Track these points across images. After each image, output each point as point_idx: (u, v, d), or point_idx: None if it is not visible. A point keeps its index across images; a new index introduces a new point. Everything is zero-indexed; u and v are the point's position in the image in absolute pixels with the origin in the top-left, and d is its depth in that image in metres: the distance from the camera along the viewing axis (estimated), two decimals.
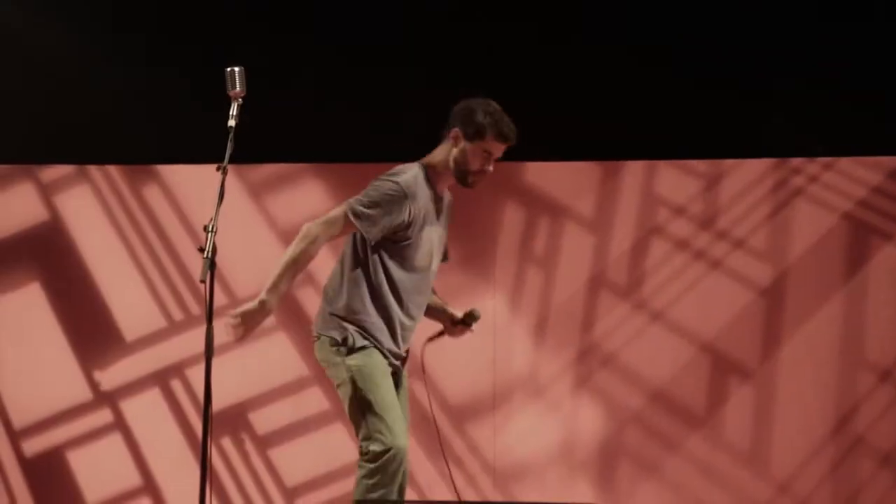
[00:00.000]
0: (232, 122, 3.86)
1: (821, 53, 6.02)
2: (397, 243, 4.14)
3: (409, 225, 4.12)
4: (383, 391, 4.09)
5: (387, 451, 4.01)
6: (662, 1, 6.12)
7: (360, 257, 4.16)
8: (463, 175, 4.23)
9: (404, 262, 4.18)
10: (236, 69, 3.90)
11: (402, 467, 4.04)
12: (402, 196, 4.09)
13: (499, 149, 4.24)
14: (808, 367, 6.06)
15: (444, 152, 4.25)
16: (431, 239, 4.25)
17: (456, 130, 4.21)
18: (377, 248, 4.13)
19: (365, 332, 4.13)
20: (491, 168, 4.25)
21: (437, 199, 4.27)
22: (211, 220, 3.70)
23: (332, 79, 6.05)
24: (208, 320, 3.66)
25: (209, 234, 3.65)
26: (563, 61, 6.11)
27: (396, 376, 4.28)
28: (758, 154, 6.18)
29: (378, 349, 4.15)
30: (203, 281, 3.58)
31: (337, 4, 6.11)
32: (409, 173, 4.17)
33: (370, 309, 4.14)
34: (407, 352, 4.35)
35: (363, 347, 4.11)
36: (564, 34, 6.13)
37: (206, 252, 3.61)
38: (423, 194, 4.19)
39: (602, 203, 6.20)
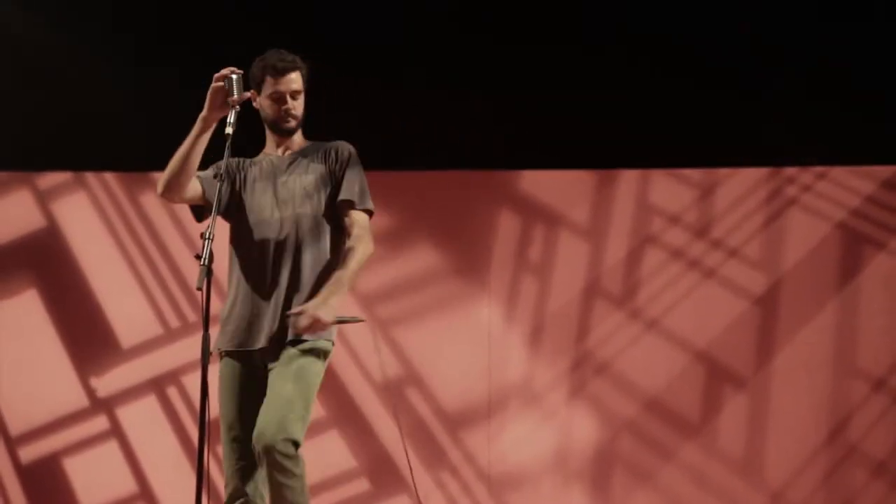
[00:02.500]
0: (229, 130, 3.85)
1: (815, 63, 6.04)
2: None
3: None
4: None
5: None
6: (657, 11, 6.14)
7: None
8: (273, 126, 4.09)
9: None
10: (234, 75, 3.90)
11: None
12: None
13: (283, 83, 4.03)
14: (801, 375, 6.07)
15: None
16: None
17: (252, 92, 4.08)
18: None
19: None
20: (291, 106, 4.05)
21: (279, 158, 4.12)
22: (208, 227, 3.70)
23: (330, 82, 6.06)
24: (205, 327, 3.66)
25: (206, 242, 3.65)
26: (558, 70, 6.13)
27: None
28: (752, 163, 6.19)
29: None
30: (200, 288, 3.58)
31: (335, 5, 6.13)
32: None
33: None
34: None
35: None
36: (559, 44, 6.14)
37: (203, 259, 3.61)
38: (250, 166, 4.11)
39: (597, 212, 6.21)
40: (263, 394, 3.88)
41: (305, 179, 4.04)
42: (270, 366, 3.91)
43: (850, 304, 6.09)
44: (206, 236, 3.66)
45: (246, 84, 3.94)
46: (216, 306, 5.96)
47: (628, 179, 6.24)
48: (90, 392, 6.18)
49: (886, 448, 6.02)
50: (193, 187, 4.01)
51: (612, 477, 6.09)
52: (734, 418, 6.08)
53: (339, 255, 4.01)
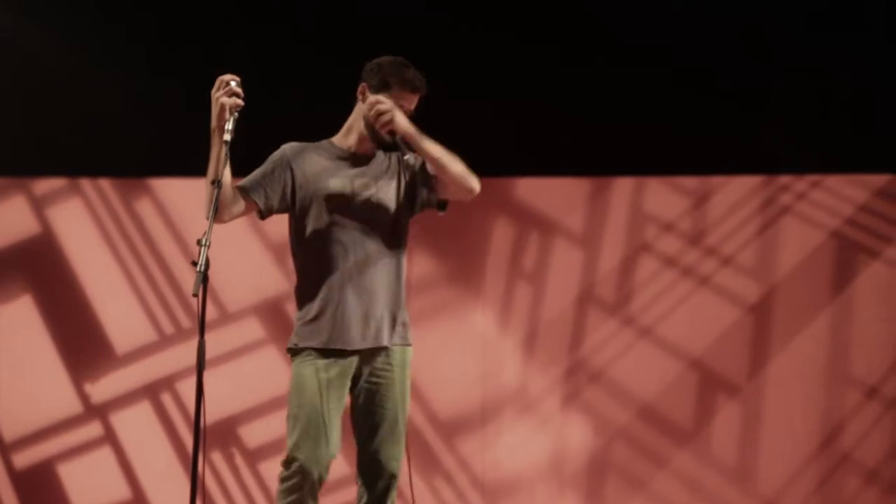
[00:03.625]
0: (227, 137, 3.85)
1: (810, 70, 6.05)
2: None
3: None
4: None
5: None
6: (652, 18, 6.14)
7: None
8: (372, 130, 4.03)
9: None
10: (233, 82, 3.89)
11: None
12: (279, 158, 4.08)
13: (407, 99, 4.05)
14: (795, 383, 6.08)
15: (356, 111, 4.13)
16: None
17: (363, 85, 4.08)
18: None
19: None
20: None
21: (353, 157, 4.08)
22: (205, 233, 3.70)
23: (328, 88, 6.06)
24: (200, 333, 3.66)
25: (202, 248, 3.64)
26: (553, 77, 6.13)
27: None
28: (746, 171, 6.20)
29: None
30: (196, 295, 3.58)
31: (333, 7, 6.13)
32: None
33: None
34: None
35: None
36: (555, 50, 6.15)
37: (199, 266, 3.60)
38: (315, 156, 4.07)
39: (591, 219, 6.22)
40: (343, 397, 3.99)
41: (391, 186, 4.06)
42: (369, 373, 4.01)
43: (843, 313, 6.10)
44: (203, 243, 3.65)
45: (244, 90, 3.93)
46: (211, 313, 6.00)
47: (623, 187, 6.25)
48: (84, 398, 6.17)
49: (879, 456, 6.03)
50: (238, 202, 4.02)
51: (606, 484, 6.09)
52: (728, 426, 6.08)
53: (403, 262, 4.08)
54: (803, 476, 6.01)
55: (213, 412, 5.89)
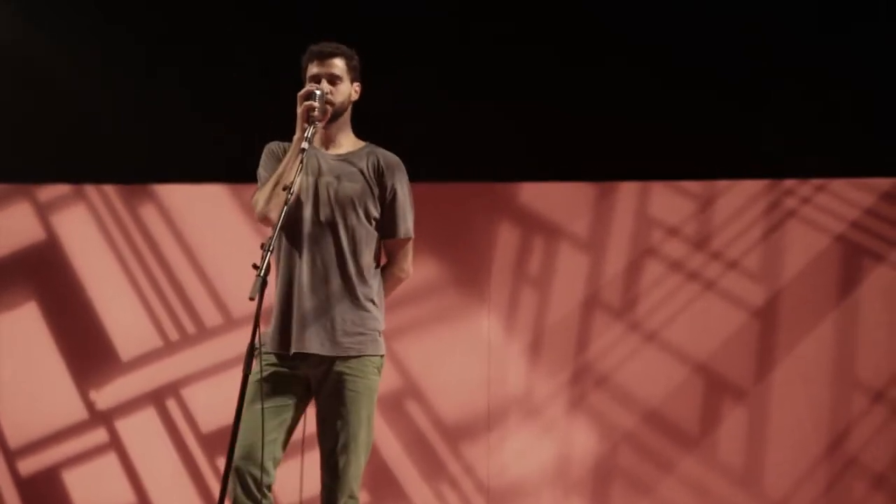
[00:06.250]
0: (305, 145, 3.81)
1: (814, 74, 6.04)
2: None
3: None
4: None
5: None
6: (657, 22, 6.14)
7: None
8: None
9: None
10: (318, 92, 3.88)
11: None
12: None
13: (322, 66, 4.01)
14: (801, 387, 6.07)
15: None
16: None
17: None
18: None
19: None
20: (326, 89, 3.96)
21: (324, 155, 4.02)
22: (270, 239, 3.70)
23: None
24: (253, 335, 3.66)
25: (266, 253, 3.63)
26: (558, 82, 6.13)
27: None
28: (751, 175, 6.20)
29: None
30: (252, 298, 3.56)
31: (332, 10, 6.13)
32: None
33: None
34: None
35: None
36: (559, 55, 6.15)
37: (260, 270, 3.60)
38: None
39: (596, 224, 6.22)
40: (300, 401, 3.94)
41: (351, 188, 3.98)
42: (319, 382, 3.93)
43: (849, 316, 6.09)
44: (268, 248, 3.64)
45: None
46: (215, 318, 5.99)
47: (628, 191, 6.24)
48: (89, 404, 6.18)
49: (886, 460, 6.01)
50: None
51: (612, 489, 6.08)
52: (734, 430, 6.07)
53: (369, 268, 4.00)
54: (810, 481, 6.00)
55: (223, 418, 5.91)
